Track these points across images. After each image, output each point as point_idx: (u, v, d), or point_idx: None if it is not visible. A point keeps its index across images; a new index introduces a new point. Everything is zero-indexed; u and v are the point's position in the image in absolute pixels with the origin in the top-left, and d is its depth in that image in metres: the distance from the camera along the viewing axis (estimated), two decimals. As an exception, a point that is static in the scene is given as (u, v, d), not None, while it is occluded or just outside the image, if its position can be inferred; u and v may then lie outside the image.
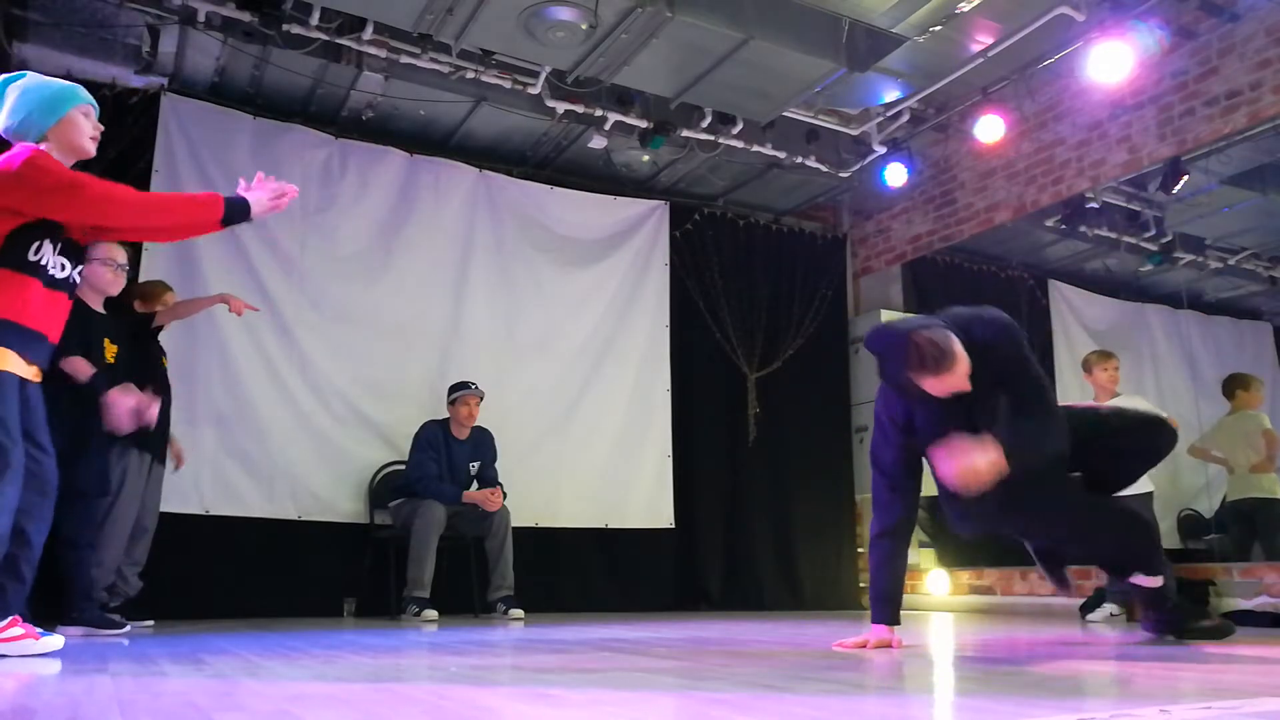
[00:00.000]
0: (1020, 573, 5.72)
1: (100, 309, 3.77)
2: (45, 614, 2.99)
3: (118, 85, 4.87)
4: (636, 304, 6.26)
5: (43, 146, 2.56)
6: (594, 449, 5.94)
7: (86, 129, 2.65)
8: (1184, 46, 5.09)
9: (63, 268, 2.61)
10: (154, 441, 4.14)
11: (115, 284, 3.76)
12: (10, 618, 2.47)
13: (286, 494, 5.05)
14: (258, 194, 2.68)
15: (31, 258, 2.50)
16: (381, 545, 5.04)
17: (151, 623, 4.00)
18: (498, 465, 5.23)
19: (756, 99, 5.23)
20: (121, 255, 3.77)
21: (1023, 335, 2.68)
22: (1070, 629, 3.95)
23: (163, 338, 4.28)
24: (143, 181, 4.88)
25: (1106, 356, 4.97)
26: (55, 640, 2.51)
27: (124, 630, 3.57)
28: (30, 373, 2.58)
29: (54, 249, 2.55)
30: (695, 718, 1.41)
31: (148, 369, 4.03)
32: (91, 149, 2.67)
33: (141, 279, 4.58)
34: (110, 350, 3.73)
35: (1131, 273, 7.21)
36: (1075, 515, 2.78)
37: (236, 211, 2.64)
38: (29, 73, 2.67)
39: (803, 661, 2.30)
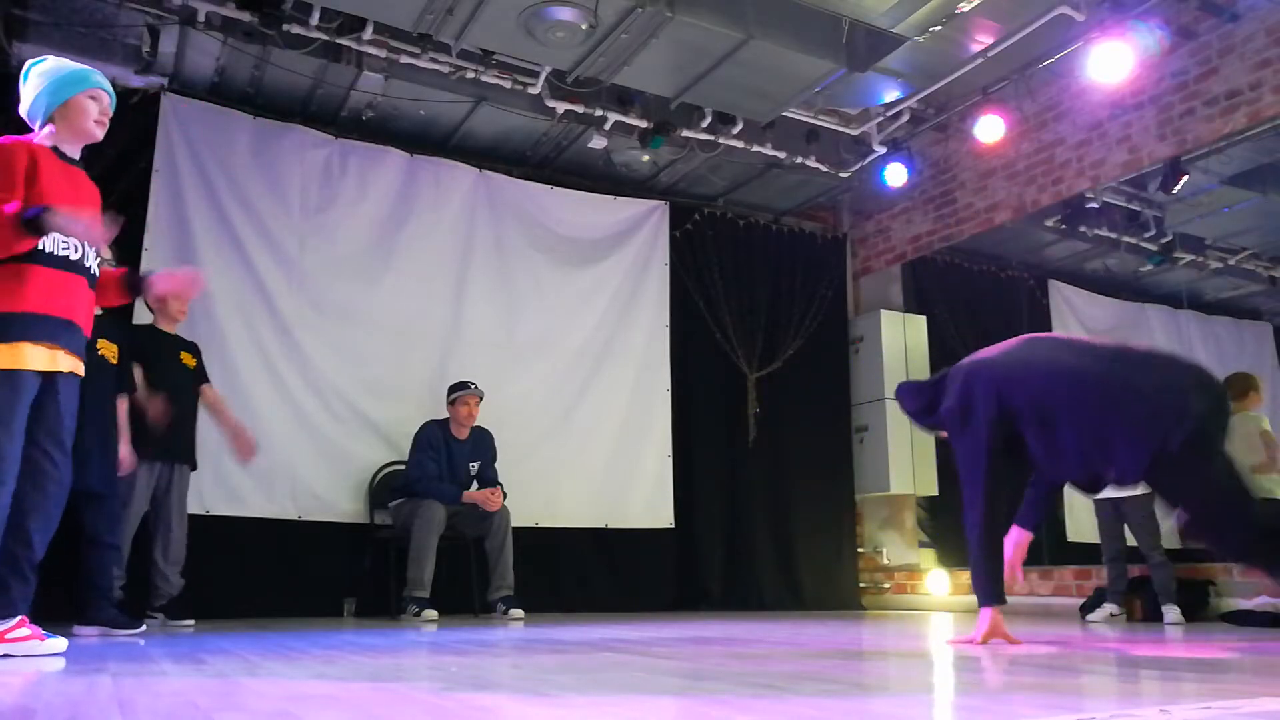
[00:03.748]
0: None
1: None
2: (49, 615, 2.98)
3: (118, 85, 4.82)
4: (636, 304, 6.26)
5: (49, 129, 2.59)
6: (594, 449, 5.94)
7: (92, 112, 2.64)
8: (1184, 46, 5.09)
9: (77, 249, 2.58)
10: (176, 447, 4.18)
11: None
12: (18, 618, 2.47)
13: (286, 494, 5.04)
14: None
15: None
16: (381, 545, 5.04)
17: (192, 623, 4.03)
18: (497, 465, 5.23)
19: (756, 99, 5.23)
20: (106, 250, 3.77)
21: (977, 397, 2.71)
22: (1070, 629, 3.95)
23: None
24: (143, 181, 4.90)
25: None
26: (59, 643, 2.51)
27: (139, 630, 3.57)
28: (61, 362, 2.54)
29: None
30: (695, 718, 1.41)
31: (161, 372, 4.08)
32: (97, 133, 2.66)
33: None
34: (110, 350, 3.73)
35: (1131, 273, 7.22)
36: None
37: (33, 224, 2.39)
38: (49, 57, 2.68)
39: (803, 661, 2.29)
